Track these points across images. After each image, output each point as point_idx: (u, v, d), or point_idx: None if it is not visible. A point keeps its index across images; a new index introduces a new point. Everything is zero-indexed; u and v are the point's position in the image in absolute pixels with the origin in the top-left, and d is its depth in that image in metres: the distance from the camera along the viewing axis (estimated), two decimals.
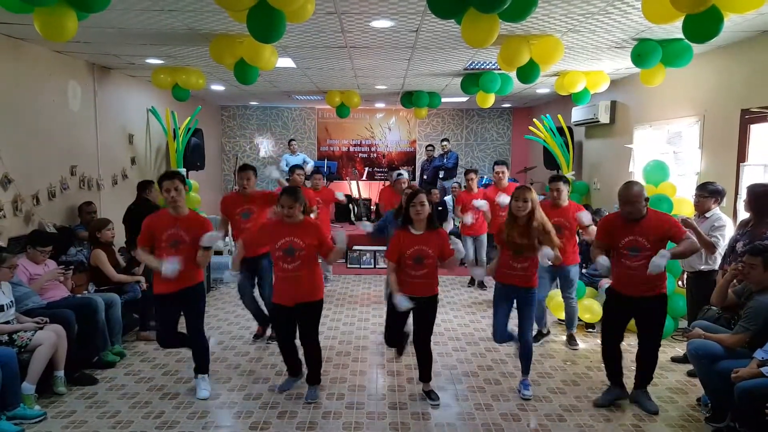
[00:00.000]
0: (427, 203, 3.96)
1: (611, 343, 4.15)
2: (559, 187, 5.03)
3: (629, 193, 3.85)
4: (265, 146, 12.95)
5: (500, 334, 4.31)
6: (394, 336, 4.36)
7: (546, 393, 4.35)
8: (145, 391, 4.34)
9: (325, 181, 11.06)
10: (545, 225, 4.05)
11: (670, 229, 3.85)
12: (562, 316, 5.71)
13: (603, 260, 3.97)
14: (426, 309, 4.10)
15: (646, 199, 3.90)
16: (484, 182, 10.07)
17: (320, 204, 6.79)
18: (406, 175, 6.67)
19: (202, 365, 4.34)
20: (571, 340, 5.38)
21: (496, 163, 6.92)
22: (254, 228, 4.92)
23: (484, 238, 7.34)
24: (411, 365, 4.74)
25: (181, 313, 4.25)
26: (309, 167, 9.28)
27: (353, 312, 6.53)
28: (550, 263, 4.02)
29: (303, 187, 6.55)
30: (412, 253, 3.97)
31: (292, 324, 4.20)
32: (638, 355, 4.12)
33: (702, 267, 4.77)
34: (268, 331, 5.45)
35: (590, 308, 5.73)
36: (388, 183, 7.76)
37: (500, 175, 6.74)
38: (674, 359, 5.02)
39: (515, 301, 4.26)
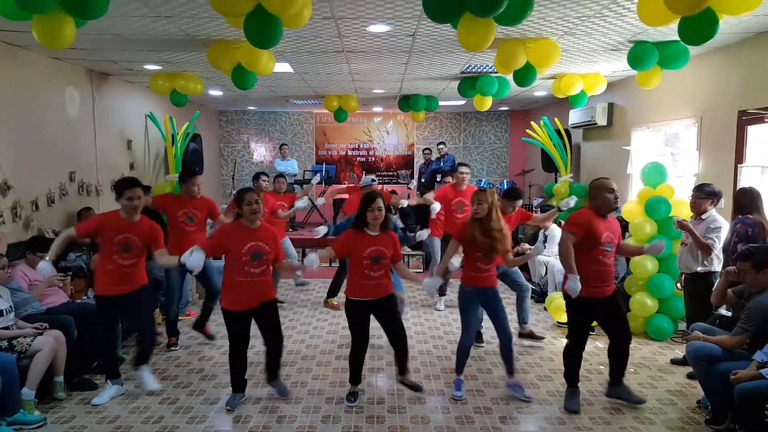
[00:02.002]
0: (384, 208, 4.01)
1: (582, 347, 4.19)
2: (514, 205, 5.19)
3: (610, 180, 4.11)
4: (259, 151, 12.96)
5: (469, 339, 4.34)
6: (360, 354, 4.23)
7: (545, 396, 4.35)
8: (145, 396, 4.33)
9: (323, 185, 11.16)
10: (500, 227, 4.14)
11: (618, 228, 4.16)
12: (562, 318, 5.72)
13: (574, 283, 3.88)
14: (388, 308, 4.13)
15: None
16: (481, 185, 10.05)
17: (284, 207, 6.73)
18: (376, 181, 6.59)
19: (145, 355, 4.39)
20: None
21: (460, 164, 6.74)
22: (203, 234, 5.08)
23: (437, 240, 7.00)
24: (410, 368, 4.74)
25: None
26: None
27: None
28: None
29: (265, 192, 6.52)
30: (371, 253, 3.99)
31: (249, 330, 4.15)
32: (615, 352, 4.16)
33: (698, 269, 4.77)
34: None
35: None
36: (353, 186, 7.58)
37: (463, 176, 6.50)
38: (673, 361, 5.02)
39: (485, 302, 4.31)
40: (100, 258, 4.21)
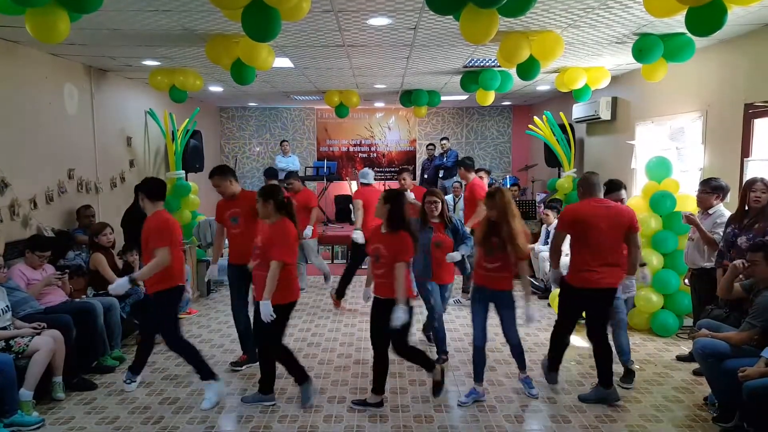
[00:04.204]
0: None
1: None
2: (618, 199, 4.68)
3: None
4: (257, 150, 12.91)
5: (478, 338, 4.18)
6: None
7: (551, 394, 4.30)
8: (145, 395, 4.29)
9: (325, 181, 11.11)
10: (513, 232, 3.95)
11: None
12: None
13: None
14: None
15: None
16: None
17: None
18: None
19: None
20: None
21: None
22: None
23: None
24: (413, 367, 4.69)
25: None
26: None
27: (354, 313, 6.47)
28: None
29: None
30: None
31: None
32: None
33: (705, 264, 4.72)
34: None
35: None
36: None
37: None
38: (679, 358, 4.96)
39: (494, 305, 4.20)
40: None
